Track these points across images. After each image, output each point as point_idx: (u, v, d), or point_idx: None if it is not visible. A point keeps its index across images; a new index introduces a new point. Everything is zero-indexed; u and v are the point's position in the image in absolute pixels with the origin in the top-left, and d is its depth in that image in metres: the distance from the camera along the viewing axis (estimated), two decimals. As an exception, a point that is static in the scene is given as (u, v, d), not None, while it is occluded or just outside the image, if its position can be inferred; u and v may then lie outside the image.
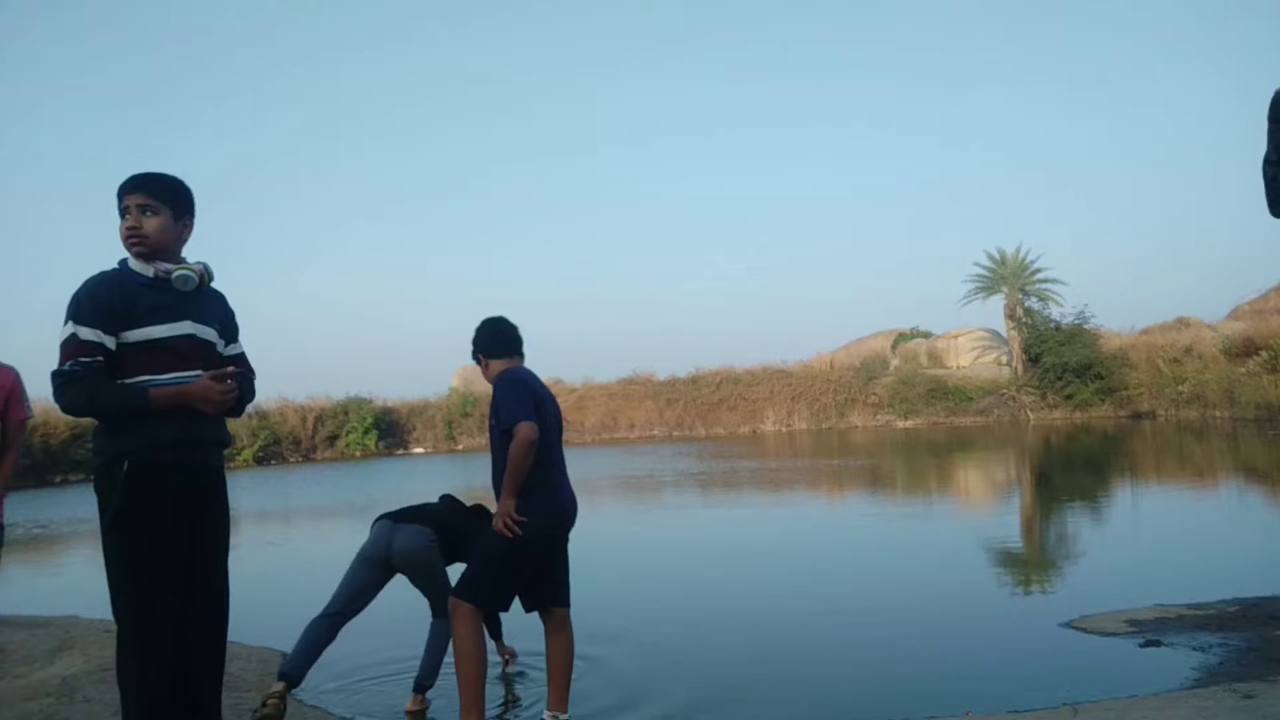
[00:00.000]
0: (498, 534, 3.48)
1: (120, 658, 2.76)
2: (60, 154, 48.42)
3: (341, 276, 53.57)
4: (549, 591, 3.66)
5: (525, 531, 3.47)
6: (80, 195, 48.91)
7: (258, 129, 54.14)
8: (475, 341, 3.89)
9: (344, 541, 9.25)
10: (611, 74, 57.00)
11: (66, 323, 2.73)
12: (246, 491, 18.76)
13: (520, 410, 3.53)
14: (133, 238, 2.82)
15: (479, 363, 3.89)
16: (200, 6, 53.51)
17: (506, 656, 4.76)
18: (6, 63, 45.31)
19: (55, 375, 2.74)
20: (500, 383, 3.67)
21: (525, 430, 3.47)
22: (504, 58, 56.43)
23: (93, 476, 2.84)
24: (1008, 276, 30.80)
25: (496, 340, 3.85)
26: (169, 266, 2.85)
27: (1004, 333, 31.92)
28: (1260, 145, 2.64)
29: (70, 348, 2.71)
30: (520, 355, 3.90)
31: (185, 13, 52.48)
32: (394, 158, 56.52)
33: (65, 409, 2.77)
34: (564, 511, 3.68)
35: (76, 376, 2.70)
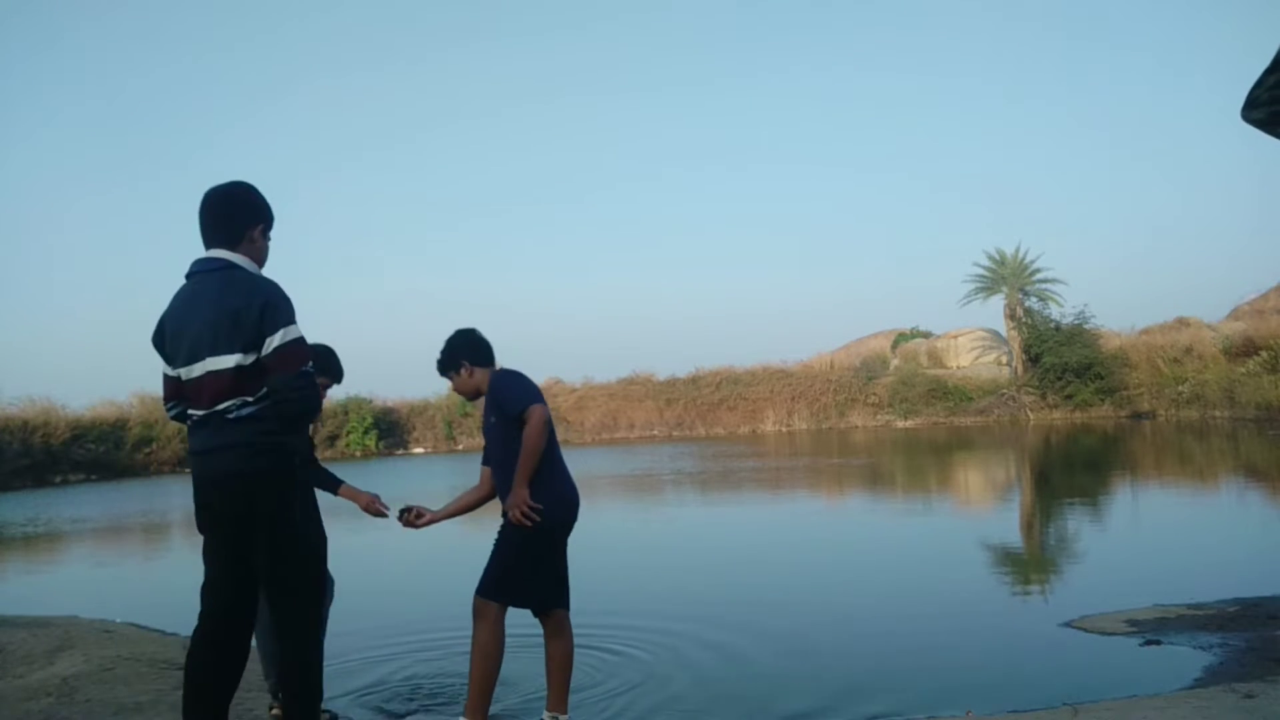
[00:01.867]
0: (515, 526, 3.48)
1: (309, 654, 2.89)
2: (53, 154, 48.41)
3: (340, 277, 53.55)
4: (551, 592, 3.65)
5: (543, 519, 3.47)
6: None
7: (274, 142, 54.13)
8: (458, 351, 3.77)
9: (341, 542, 9.24)
10: (613, 83, 57.04)
11: (294, 324, 2.78)
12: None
13: (531, 394, 3.58)
14: None
15: (457, 374, 3.77)
16: (227, 18, 53.52)
17: None
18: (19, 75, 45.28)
19: (309, 375, 2.79)
20: (501, 377, 3.71)
21: (540, 411, 3.51)
22: (510, 78, 56.44)
23: (236, 474, 2.75)
24: (1008, 276, 30.78)
25: (481, 350, 3.81)
26: None
27: (1004, 333, 31.90)
28: (1254, 149, 2.63)
29: (307, 352, 2.82)
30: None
31: (213, 25, 52.50)
32: (396, 161, 56.54)
33: (315, 409, 2.85)
34: (575, 500, 3.68)
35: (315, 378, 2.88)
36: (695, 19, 54.79)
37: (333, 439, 30.40)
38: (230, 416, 2.73)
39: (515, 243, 55.17)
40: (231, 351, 2.72)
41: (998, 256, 31.12)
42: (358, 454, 29.86)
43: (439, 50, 56.97)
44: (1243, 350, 25.67)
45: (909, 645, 5.07)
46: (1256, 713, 3.40)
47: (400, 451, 31.33)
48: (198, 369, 2.78)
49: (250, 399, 2.74)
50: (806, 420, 32.04)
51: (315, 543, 2.95)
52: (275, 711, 3.94)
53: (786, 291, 53.22)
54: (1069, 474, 15.19)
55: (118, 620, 6.39)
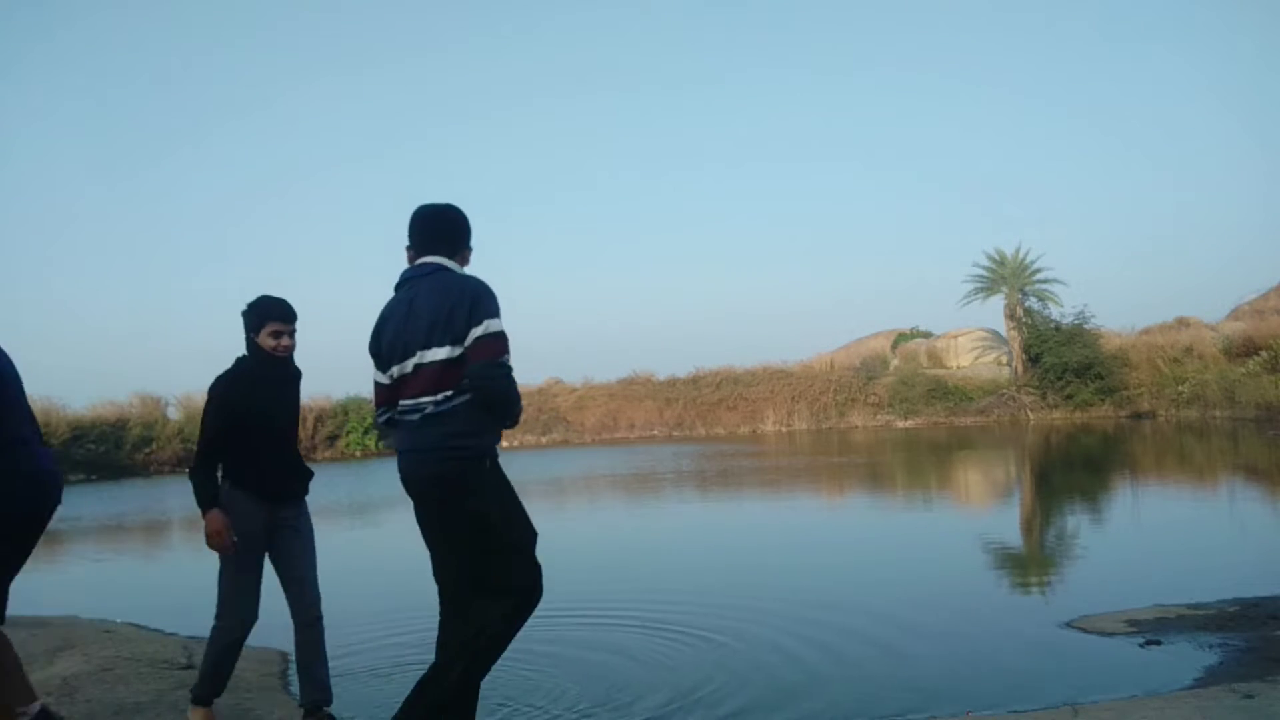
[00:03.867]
0: None
1: (505, 626, 2.85)
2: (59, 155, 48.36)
3: (340, 277, 53.55)
4: None
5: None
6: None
7: (272, 141, 54.10)
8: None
9: (338, 540, 9.24)
10: (612, 81, 57.04)
11: (497, 317, 2.86)
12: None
13: None
14: None
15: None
16: (219, 19, 53.50)
17: None
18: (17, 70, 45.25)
19: (504, 366, 2.84)
20: None
21: None
22: (514, 78, 56.41)
23: (434, 477, 2.87)
24: (1008, 277, 30.78)
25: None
26: None
27: (1004, 333, 31.91)
28: (1255, 148, 2.64)
29: (506, 345, 2.87)
30: None
31: (203, 26, 52.47)
32: (396, 162, 56.54)
33: (512, 399, 2.86)
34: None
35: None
36: (692, 17, 54.79)
37: (332, 439, 30.39)
38: (430, 412, 2.85)
39: (514, 242, 55.16)
40: (442, 345, 2.84)
41: (997, 256, 31.14)
42: (358, 454, 29.85)
43: (433, 50, 56.96)
44: (1243, 350, 25.67)
45: (908, 645, 5.06)
46: (1256, 713, 3.41)
47: (400, 451, 31.29)
48: (410, 364, 2.91)
49: (451, 392, 2.83)
50: (806, 420, 32.04)
51: (510, 545, 2.91)
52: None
53: (786, 291, 53.28)
54: (1069, 474, 15.18)
55: (118, 620, 6.39)
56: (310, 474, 3.95)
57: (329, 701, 3.79)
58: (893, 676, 4.49)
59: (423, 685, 2.86)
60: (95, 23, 48.53)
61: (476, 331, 2.81)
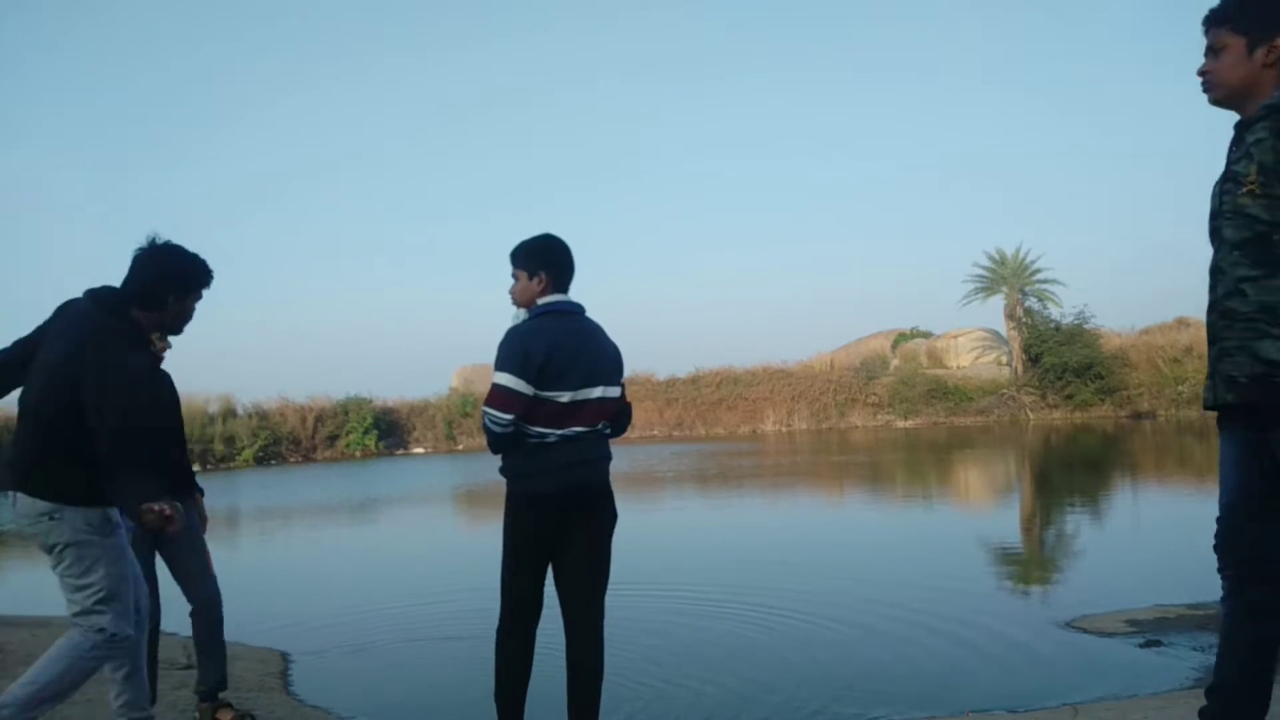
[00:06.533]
0: None
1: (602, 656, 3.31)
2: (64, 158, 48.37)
3: (342, 279, 53.57)
4: None
5: None
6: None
7: (274, 142, 54.13)
8: None
9: (335, 535, 9.23)
10: (611, 81, 57.04)
11: None
12: (246, 491, 18.76)
13: None
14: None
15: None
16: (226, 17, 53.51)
17: None
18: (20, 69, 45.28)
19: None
20: None
21: None
22: (508, 78, 56.40)
23: (604, 482, 3.39)
24: (1008, 277, 30.80)
25: None
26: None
27: (1004, 333, 31.92)
28: None
29: None
30: None
31: (213, 21, 52.49)
32: (393, 160, 56.56)
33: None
34: None
35: None
36: (694, 16, 54.80)
37: (333, 439, 30.38)
38: (606, 433, 3.38)
39: (513, 244, 55.01)
40: (618, 385, 3.39)
41: (997, 256, 31.17)
42: (358, 454, 29.86)
43: (431, 50, 56.96)
44: (1242, 350, 25.65)
45: (908, 645, 5.07)
46: (1256, 713, 3.40)
47: (400, 451, 31.33)
48: (583, 394, 3.25)
49: (610, 421, 3.38)
50: (806, 420, 32.05)
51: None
52: (227, 714, 3.92)
53: (787, 291, 53.26)
54: (1069, 474, 15.19)
55: (118, 620, 6.37)
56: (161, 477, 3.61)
57: (215, 692, 3.93)
58: (892, 674, 4.49)
59: (590, 685, 3.23)
60: (95, 23, 48.57)
61: (623, 379, 3.47)
